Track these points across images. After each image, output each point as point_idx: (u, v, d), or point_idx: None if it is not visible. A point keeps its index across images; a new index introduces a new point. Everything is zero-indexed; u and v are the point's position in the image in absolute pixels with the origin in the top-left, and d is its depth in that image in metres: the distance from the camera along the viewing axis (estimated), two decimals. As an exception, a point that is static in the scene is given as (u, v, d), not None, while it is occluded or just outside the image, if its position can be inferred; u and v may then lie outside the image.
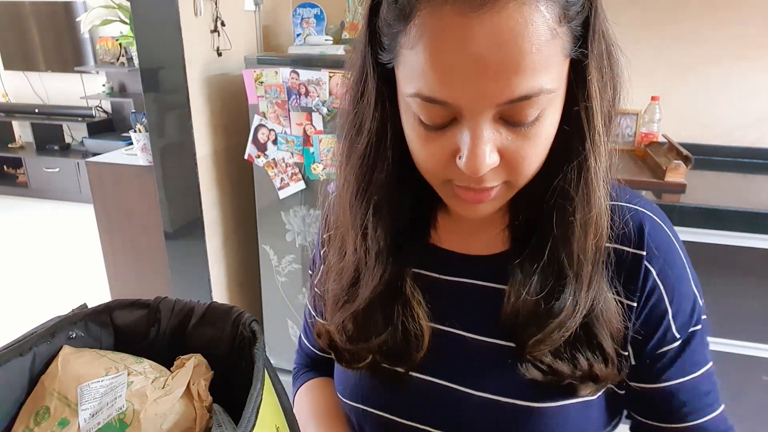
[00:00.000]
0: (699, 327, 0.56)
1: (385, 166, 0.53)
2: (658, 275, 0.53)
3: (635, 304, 0.53)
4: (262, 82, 1.84)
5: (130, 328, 0.63)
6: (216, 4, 1.93)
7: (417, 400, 0.58)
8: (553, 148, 0.48)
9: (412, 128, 0.48)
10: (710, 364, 0.57)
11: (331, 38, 2.02)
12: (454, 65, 0.41)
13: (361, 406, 0.61)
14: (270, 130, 1.90)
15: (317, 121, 1.83)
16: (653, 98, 1.96)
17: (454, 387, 0.56)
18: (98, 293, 2.89)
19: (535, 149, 0.46)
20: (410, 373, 0.58)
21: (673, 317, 0.54)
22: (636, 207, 0.56)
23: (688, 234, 1.58)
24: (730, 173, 1.93)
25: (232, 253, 2.23)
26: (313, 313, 0.71)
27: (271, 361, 0.59)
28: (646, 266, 0.53)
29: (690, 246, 1.74)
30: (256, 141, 1.94)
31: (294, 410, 0.59)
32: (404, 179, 0.54)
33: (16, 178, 4.98)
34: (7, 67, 4.81)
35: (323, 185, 2.03)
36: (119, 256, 2.41)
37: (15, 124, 4.95)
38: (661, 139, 1.98)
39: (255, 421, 0.48)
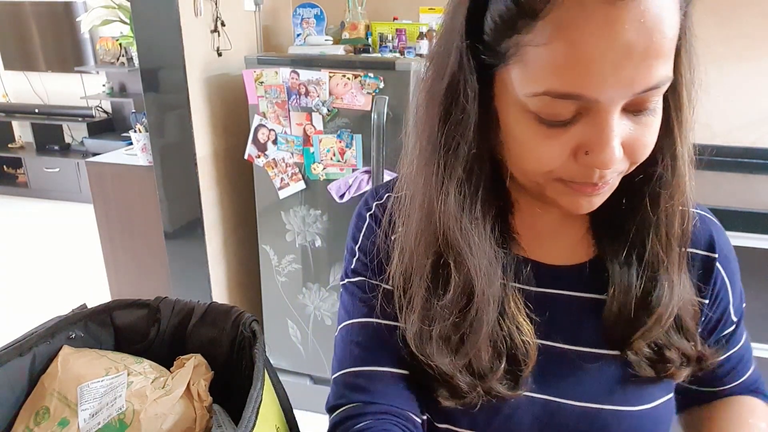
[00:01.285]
0: (744, 303, 0.64)
1: (486, 174, 0.51)
2: (725, 275, 0.60)
3: (707, 301, 0.59)
4: (262, 82, 1.84)
5: (130, 329, 0.63)
6: (216, 4, 1.93)
7: (516, 416, 0.56)
8: None
9: (528, 128, 0.45)
10: (745, 332, 0.66)
11: (331, 38, 2.02)
12: (599, 56, 0.39)
13: (453, 428, 0.57)
14: (270, 130, 1.90)
15: (317, 121, 1.83)
16: (653, 98, 1.96)
17: (554, 400, 0.56)
18: (98, 293, 2.90)
19: (653, 137, 0.46)
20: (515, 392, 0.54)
21: (732, 306, 0.61)
22: (698, 211, 0.60)
23: (688, 234, 1.58)
24: (729, 173, 1.93)
25: (232, 253, 2.23)
26: (383, 321, 0.60)
27: (271, 362, 0.59)
28: (717, 267, 0.59)
29: (690, 246, 1.73)
30: (256, 141, 1.94)
31: None
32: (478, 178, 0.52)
33: (16, 178, 4.98)
34: (7, 67, 4.81)
35: (323, 185, 2.02)
36: (119, 256, 2.41)
37: (15, 124, 4.95)
38: (660, 139, 1.99)
39: (255, 421, 0.48)
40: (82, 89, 4.70)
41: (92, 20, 2.56)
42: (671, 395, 0.58)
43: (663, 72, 0.41)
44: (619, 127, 0.43)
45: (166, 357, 0.61)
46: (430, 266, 0.54)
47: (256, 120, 1.90)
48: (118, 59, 4.25)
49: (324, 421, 0.62)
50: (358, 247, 0.65)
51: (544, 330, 0.55)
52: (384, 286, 0.60)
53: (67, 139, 4.92)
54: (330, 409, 0.60)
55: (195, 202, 1.99)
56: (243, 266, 2.30)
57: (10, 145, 4.93)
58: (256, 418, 0.48)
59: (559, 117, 0.44)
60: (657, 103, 0.45)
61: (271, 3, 2.28)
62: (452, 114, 0.49)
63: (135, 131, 2.33)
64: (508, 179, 0.53)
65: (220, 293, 2.17)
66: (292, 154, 1.90)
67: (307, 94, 1.81)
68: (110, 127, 4.71)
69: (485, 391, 0.53)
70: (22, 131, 4.98)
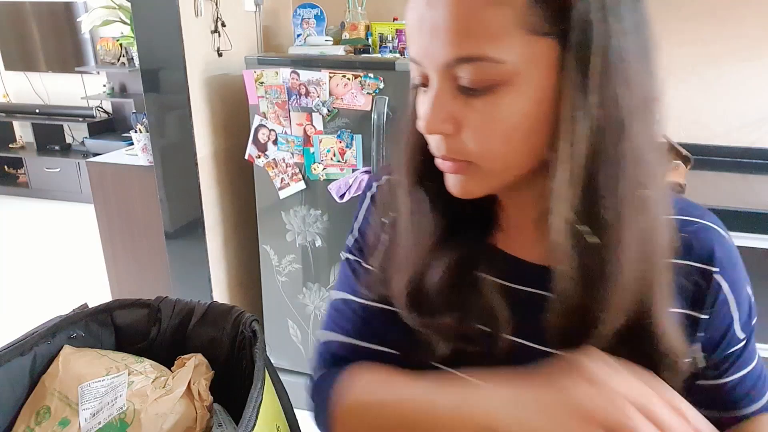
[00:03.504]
0: (754, 320, 0.58)
1: (420, 154, 0.54)
2: (727, 287, 0.55)
3: (705, 317, 0.55)
4: (262, 83, 1.84)
5: (131, 328, 0.64)
6: (216, 4, 1.93)
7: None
8: None
9: (418, 97, 0.51)
10: (757, 353, 0.60)
11: (331, 39, 2.02)
12: (414, 23, 0.46)
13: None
14: (270, 130, 1.91)
15: (317, 122, 1.83)
16: (653, 98, 1.96)
17: None
18: (99, 293, 2.90)
19: (491, 127, 0.45)
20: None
21: (738, 321, 0.56)
22: (699, 220, 0.56)
23: (688, 234, 1.58)
24: (729, 173, 1.93)
25: (233, 253, 2.23)
26: (364, 300, 0.63)
27: (272, 361, 0.59)
28: (716, 280, 0.54)
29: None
30: (256, 141, 1.94)
31: (353, 393, 0.56)
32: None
33: (16, 178, 4.99)
34: (7, 67, 4.81)
35: (323, 185, 2.02)
36: (120, 256, 2.42)
37: (16, 124, 4.95)
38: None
39: (255, 421, 0.48)
40: (82, 89, 4.70)
41: (93, 20, 2.57)
42: None
43: (468, 48, 0.43)
44: (449, 101, 0.46)
45: (166, 357, 0.61)
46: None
47: (256, 120, 1.91)
48: (118, 59, 4.25)
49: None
50: (358, 227, 0.67)
51: (521, 327, 0.54)
52: (372, 269, 0.63)
53: (68, 140, 4.92)
54: (313, 369, 0.66)
55: (195, 202, 2.00)
56: (243, 266, 2.30)
57: (10, 145, 4.93)
58: (257, 417, 0.48)
59: (419, 81, 0.49)
60: (496, 91, 0.44)
61: (272, 3, 2.28)
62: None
63: (135, 131, 2.33)
64: None
65: (220, 293, 2.18)
66: (292, 154, 1.91)
67: (307, 94, 1.81)
68: (111, 127, 4.71)
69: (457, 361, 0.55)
70: (22, 131, 4.98)
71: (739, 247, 1.49)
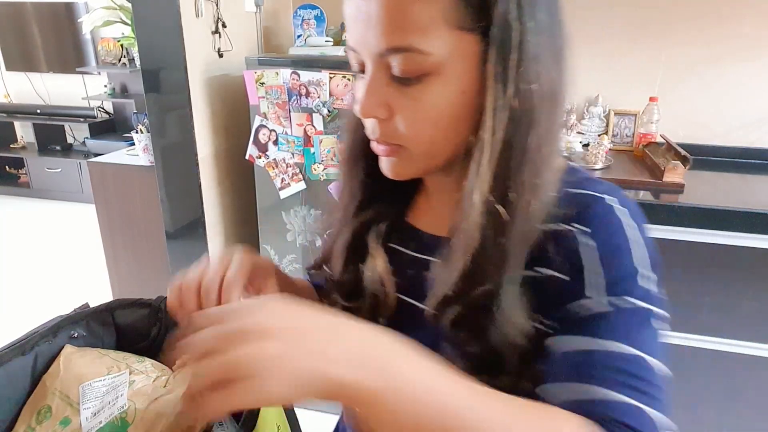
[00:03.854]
0: (640, 305, 0.50)
1: (357, 134, 0.61)
2: (596, 248, 0.51)
3: (562, 276, 0.51)
4: (262, 83, 1.85)
5: (132, 328, 0.64)
6: (217, 5, 1.94)
7: None
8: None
9: (357, 82, 0.55)
10: (650, 356, 0.49)
11: (331, 39, 2.03)
12: (351, 14, 0.49)
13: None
14: (271, 130, 1.91)
15: (318, 122, 1.84)
16: (651, 99, 1.97)
17: None
18: (100, 293, 2.90)
19: (420, 113, 0.49)
20: None
21: (606, 284, 0.50)
22: (588, 191, 0.54)
23: (687, 234, 1.58)
24: (728, 173, 1.93)
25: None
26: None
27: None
28: (585, 242, 0.51)
29: (688, 246, 1.74)
30: (257, 141, 1.95)
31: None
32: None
33: (18, 178, 4.99)
34: (8, 67, 4.82)
35: (324, 185, 2.03)
36: (121, 256, 2.42)
37: (17, 124, 4.96)
38: (659, 139, 1.99)
39: (256, 420, 0.48)
40: (83, 90, 4.71)
41: (94, 21, 2.57)
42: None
43: (397, 39, 0.46)
44: (382, 87, 0.50)
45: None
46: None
47: (257, 120, 1.91)
48: (119, 60, 4.26)
49: (326, 419, 0.63)
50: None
51: (408, 288, 0.61)
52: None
53: (69, 140, 4.93)
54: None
55: (196, 202, 2.00)
56: (244, 266, 2.31)
57: (12, 146, 4.94)
58: (257, 416, 0.49)
59: (359, 68, 0.52)
60: (426, 80, 0.48)
61: (272, 4, 2.29)
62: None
63: (136, 131, 2.34)
64: None
65: (221, 293, 2.18)
66: (292, 154, 1.91)
67: (307, 94, 1.82)
68: (112, 127, 4.72)
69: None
70: (23, 131, 4.98)
71: (737, 246, 1.49)
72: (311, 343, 0.35)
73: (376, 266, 0.62)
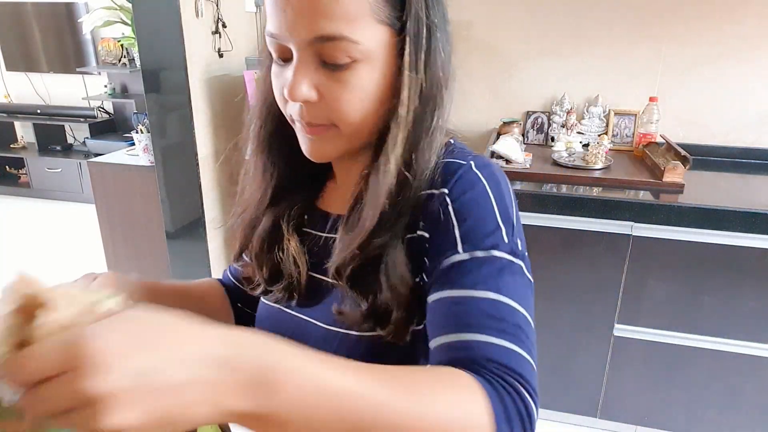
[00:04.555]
0: (498, 255, 0.53)
1: (269, 123, 0.66)
2: (452, 204, 0.56)
3: (428, 234, 0.57)
4: (262, 83, 1.85)
5: None
6: (217, 5, 1.94)
7: (285, 330, 0.67)
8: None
9: (272, 70, 0.59)
10: (513, 301, 0.50)
11: (331, 39, 2.03)
12: (275, 3, 0.52)
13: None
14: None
15: (318, 122, 1.84)
16: (651, 99, 1.97)
17: (310, 320, 0.66)
18: (100, 293, 2.90)
19: (350, 95, 0.54)
20: (287, 310, 0.69)
21: (458, 233, 0.54)
22: (456, 160, 0.59)
23: (686, 234, 1.59)
24: (727, 173, 1.94)
25: (233, 253, 2.24)
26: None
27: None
28: (444, 200, 0.56)
29: (688, 246, 1.74)
30: (256, 141, 1.95)
31: None
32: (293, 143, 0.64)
33: (18, 178, 4.99)
34: (9, 67, 4.82)
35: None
36: (121, 255, 2.42)
37: (17, 124, 4.96)
38: (659, 139, 1.99)
39: None
40: (83, 90, 4.71)
41: (94, 21, 2.58)
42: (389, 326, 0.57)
43: (330, 28, 0.51)
44: (311, 73, 0.54)
45: None
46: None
47: (256, 120, 1.91)
48: (119, 60, 4.26)
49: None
50: None
51: (318, 265, 0.66)
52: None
53: (69, 140, 4.92)
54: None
55: (196, 202, 2.00)
56: (244, 266, 2.31)
57: (12, 146, 4.94)
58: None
59: (278, 54, 0.56)
60: (354, 67, 0.53)
61: (272, 4, 2.29)
62: (262, 80, 0.64)
63: (137, 132, 2.34)
64: None
65: (221, 293, 2.18)
66: (292, 154, 1.91)
67: (307, 94, 1.82)
68: (112, 127, 4.71)
69: (265, 293, 0.70)
70: (24, 132, 4.98)
71: (737, 246, 1.50)
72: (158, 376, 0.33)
73: (290, 249, 0.67)
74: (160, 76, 1.87)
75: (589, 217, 1.65)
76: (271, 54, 0.59)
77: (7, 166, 5.03)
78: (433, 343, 0.51)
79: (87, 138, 4.51)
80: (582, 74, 2.13)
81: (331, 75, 0.54)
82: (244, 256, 0.75)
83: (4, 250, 3.87)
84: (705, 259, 1.61)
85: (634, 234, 1.63)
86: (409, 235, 0.59)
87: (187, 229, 2.06)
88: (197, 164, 1.94)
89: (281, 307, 0.69)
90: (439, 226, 0.56)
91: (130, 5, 1.91)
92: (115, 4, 2.55)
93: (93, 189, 2.38)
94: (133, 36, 2.18)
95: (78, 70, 4.48)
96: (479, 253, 0.53)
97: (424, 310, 0.56)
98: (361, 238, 0.57)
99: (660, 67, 2.03)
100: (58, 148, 4.76)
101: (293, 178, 0.69)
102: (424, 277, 0.57)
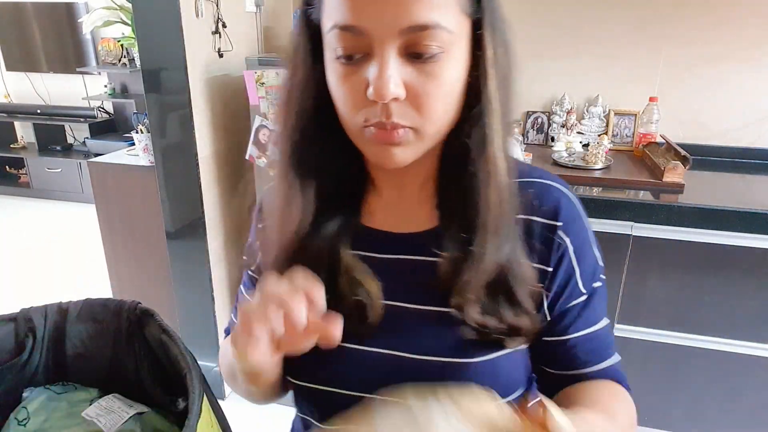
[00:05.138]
0: (600, 284, 0.63)
1: (314, 131, 0.58)
2: (570, 243, 0.60)
3: (550, 269, 0.60)
4: (263, 83, 1.85)
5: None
6: (217, 5, 1.94)
7: (356, 370, 0.60)
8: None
9: (333, 71, 0.53)
10: (606, 318, 0.64)
11: (331, 39, 2.03)
12: None
13: (299, 382, 0.62)
14: (271, 130, 1.91)
15: (318, 122, 1.84)
16: (651, 99, 1.97)
17: (394, 353, 0.59)
18: (100, 293, 2.89)
19: (438, 89, 0.51)
20: (354, 345, 0.60)
21: (580, 276, 0.61)
22: (549, 182, 0.62)
23: (686, 234, 1.59)
24: (727, 173, 1.94)
25: (233, 253, 2.24)
26: (248, 295, 0.73)
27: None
28: (560, 235, 0.59)
29: (688, 246, 1.73)
30: (257, 142, 1.95)
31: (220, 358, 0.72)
32: (333, 153, 0.59)
33: (18, 178, 4.99)
34: (9, 67, 4.82)
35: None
36: (121, 256, 2.42)
37: (17, 124, 4.96)
38: (659, 139, 1.99)
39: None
40: (83, 90, 4.71)
41: (94, 21, 2.57)
42: (505, 353, 0.58)
43: (426, 16, 0.47)
44: (398, 67, 0.49)
45: (48, 364, 0.61)
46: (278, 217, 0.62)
47: (257, 121, 1.91)
48: (119, 60, 4.26)
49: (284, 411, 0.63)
50: (249, 237, 0.74)
51: (388, 291, 0.60)
52: (252, 273, 0.72)
53: (69, 140, 4.93)
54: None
55: (196, 202, 2.00)
56: (244, 266, 2.31)
57: (12, 146, 4.94)
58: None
59: (350, 50, 0.50)
60: (443, 58, 0.50)
61: (272, 4, 2.29)
62: (293, 72, 0.57)
63: (137, 132, 2.34)
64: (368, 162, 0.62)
65: (221, 293, 2.18)
66: (292, 154, 1.91)
67: (307, 94, 1.82)
68: (112, 127, 4.72)
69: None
70: (24, 132, 4.99)
71: (737, 246, 1.49)
72: None
73: (353, 274, 0.60)
74: (160, 76, 1.87)
75: (589, 216, 1.64)
76: (309, 54, 0.55)
77: (7, 166, 5.03)
78: (587, 370, 0.62)
79: (87, 138, 4.51)
80: (582, 74, 2.13)
81: (420, 68, 0.50)
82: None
83: (4, 250, 3.87)
84: (705, 259, 1.61)
85: (634, 234, 1.63)
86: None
87: (187, 229, 2.06)
88: (197, 164, 1.94)
89: (344, 345, 0.58)
90: (560, 263, 0.60)
91: (130, 5, 1.91)
92: (115, 4, 2.54)
93: (93, 189, 2.37)
94: (133, 36, 2.18)
95: (78, 70, 4.49)
96: (593, 285, 0.62)
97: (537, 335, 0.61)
98: (492, 251, 0.55)
99: (660, 67, 2.03)
100: (58, 148, 4.76)
101: (335, 194, 0.62)
102: (545, 308, 0.61)
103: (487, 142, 0.54)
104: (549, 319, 0.61)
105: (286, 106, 0.59)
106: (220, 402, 0.60)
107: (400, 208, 0.63)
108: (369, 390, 0.58)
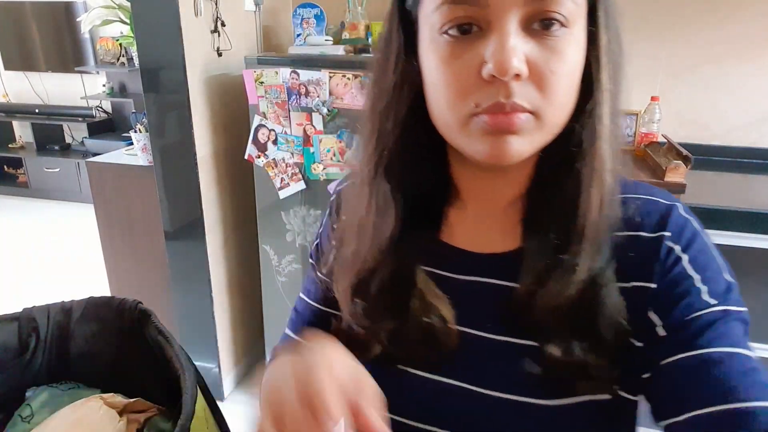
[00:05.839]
0: (741, 310, 0.51)
1: (407, 136, 0.53)
2: (679, 250, 0.51)
3: (653, 285, 0.50)
4: (262, 83, 1.84)
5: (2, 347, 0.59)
6: (216, 4, 1.93)
7: (419, 399, 0.55)
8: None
9: (437, 52, 0.47)
10: (756, 356, 0.49)
11: (331, 38, 2.02)
12: None
13: None
14: (270, 130, 1.90)
15: (317, 122, 1.83)
16: (653, 98, 1.96)
17: (465, 386, 0.54)
18: (98, 293, 2.89)
19: (563, 67, 0.45)
20: (419, 372, 0.55)
21: (703, 283, 0.49)
22: (658, 198, 0.55)
23: (688, 234, 1.58)
24: (729, 173, 1.93)
25: (233, 253, 2.23)
26: (313, 302, 0.67)
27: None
28: (668, 246, 0.51)
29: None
30: (256, 141, 1.94)
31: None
32: (422, 161, 0.55)
33: (16, 178, 4.98)
34: (7, 67, 4.81)
35: (323, 185, 2.02)
36: (120, 256, 2.41)
37: (15, 124, 4.95)
38: (660, 139, 1.98)
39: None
40: (82, 89, 4.70)
41: (92, 20, 2.56)
42: (586, 399, 0.50)
43: None
44: (520, 40, 0.44)
45: (52, 363, 0.61)
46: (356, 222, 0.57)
47: (256, 120, 1.91)
48: (118, 59, 4.25)
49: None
50: (319, 233, 0.69)
51: (463, 316, 0.54)
52: (321, 275, 0.65)
53: (68, 139, 4.92)
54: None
55: (195, 202, 1.99)
56: (243, 266, 2.30)
57: (10, 145, 4.93)
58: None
59: (462, 22, 0.45)
60: (567, 35, 0.45)
61: (271, 3, 2.28)
62: (384, 62, 0.53)
63: (135, 131, 2.33)
64: (451, 164, 0.57)
65: (219, 293, 2.17)
66: (292, 154, 1.91)
67: (307, 94, 1.81)
68: (110, 127, 4.71)
69: (388, 356, 0.55)
70: (22, 131, 4.98)
71: (738, 247, 1.48)
72: None
73: (428, 297, 0.54)
74: (159, 76, 1.86)
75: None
76: (404, 49, 0.50)
77: (5, 166, 5.02)
78: (703, 411, 0.45)
79: (85, 137, 4.51)
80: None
81: (544, 43, 0.44)
82: (348, 318, 0.58)
83: (3, 250, 3.86)
84: (706, 259, 1.60)
85: (635, 234, 1.63)
86: (619, 285, 0.50)
87: (186, 228, 2.05)
88: (196, 164, 1.93)
89: (408, 369, 0.55)
90: (668, 273, 0.50)
91: (128, 4, 1.90)
92: (114, 3, 2.53)
93: (91, 188, 2.37)
94: (132, 35, 2.17)
95: (76, 69, 4.48)
96: (729, 305, 0.49)
97: (631, 372, 0.50)
98: (585, 260, 0.49)
99: (661, 67, 2.02)
100: (57, 147, 4.75)
101: (419, 206, 0.56)
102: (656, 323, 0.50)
103: (595, 136, 0.49)
104: (665, 333, 0.49)
105: (377, 110, 0.53)
106: (219, 403, 0.60)
107: (484, 225, 0.57)
108: (430, 422, 0.54)
